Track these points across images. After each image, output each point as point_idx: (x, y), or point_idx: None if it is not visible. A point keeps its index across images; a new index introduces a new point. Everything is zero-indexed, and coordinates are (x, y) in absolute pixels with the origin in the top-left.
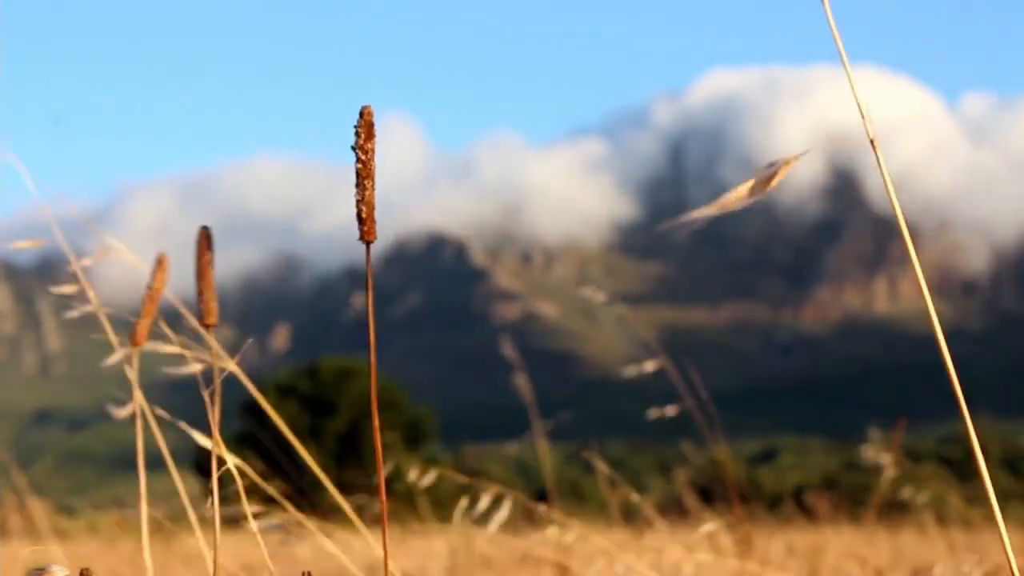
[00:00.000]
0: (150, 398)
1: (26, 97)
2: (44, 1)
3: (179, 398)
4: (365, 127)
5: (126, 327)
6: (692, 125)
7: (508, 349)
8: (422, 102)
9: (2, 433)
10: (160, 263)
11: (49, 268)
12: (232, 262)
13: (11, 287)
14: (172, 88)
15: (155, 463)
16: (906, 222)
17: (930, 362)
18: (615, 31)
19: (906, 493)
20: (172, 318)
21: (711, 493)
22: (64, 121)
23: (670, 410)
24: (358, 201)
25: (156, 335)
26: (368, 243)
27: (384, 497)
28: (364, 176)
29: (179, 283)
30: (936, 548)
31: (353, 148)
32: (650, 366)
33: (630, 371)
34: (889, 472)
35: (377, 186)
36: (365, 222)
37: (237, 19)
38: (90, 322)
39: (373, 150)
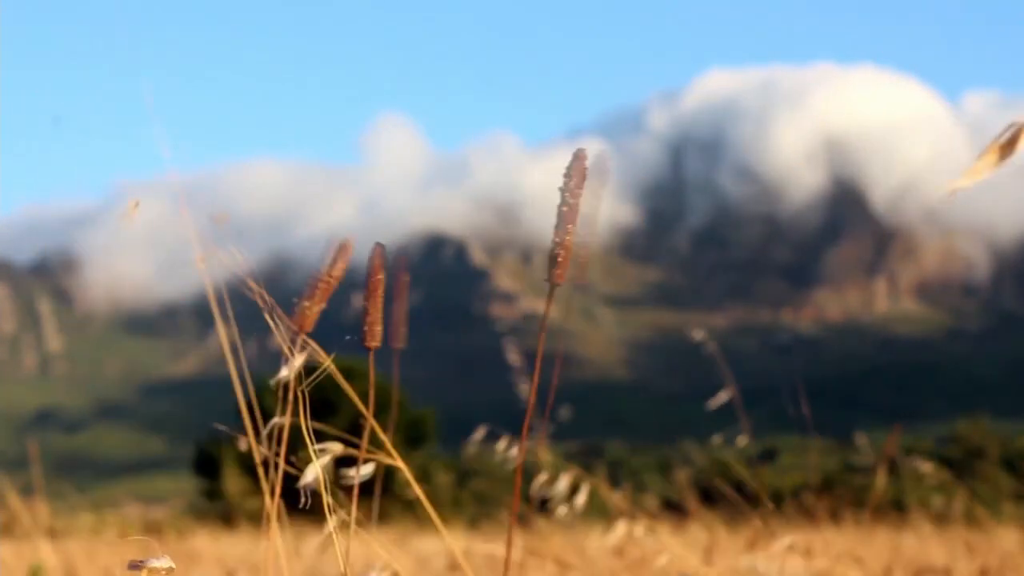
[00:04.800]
0: (148, 397)
1: (26, 97)
2: (44, 1)
3: (178, 398)
4: (579, 170)
5: (126, 327)
6: (689, 126)
7: (510, 352)
8: (420, 104)
9: (2, 433)
10: (343, 249)
11: (48, 268)
12: (229, 262)
13: (11, 287)
14: (172, 88)
15: (156, 464)
16: (907, 224)
17: (929, 363)
18: (613, 32)
19: (907, 495)
20: (172, 317)
21: (712, 493)
22: (64, 121)
23: (722, 396)
24: (556, 243)
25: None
26: (555, 285)
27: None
28: (568, 220)
29: (179, 283)
30: (936, 548)
31: (561, 190)
32: (723, 397)
33: (713, 403)
34: (881, 480)
35: (376, 186)
36: (560, 265)
37: (236, 21)
38: (89, 322)
39: (581, 195)
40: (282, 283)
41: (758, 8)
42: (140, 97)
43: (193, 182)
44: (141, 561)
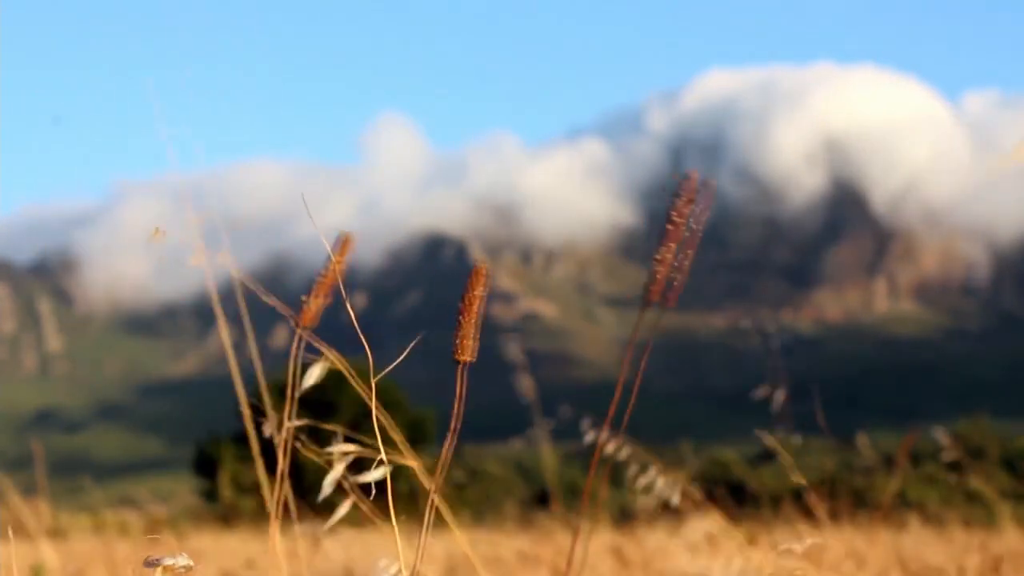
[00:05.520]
0: (148, 398)
1: (26, 97)
2: (44, 1)
3: (178, 398)
4: (688, 191)
5: (126, 327)
6: (689, 126)
7: (513, 351)
8: (420, 104)
9: (2, 433)
10: (344, 243)
11: (48, 268)
12: (229, 262)
13: (11, 287)
14: (171, 88)
15: (155, 464)
16: (907, 224)
17: (929, 363)
18: (612, 32)
19: (907, 493)
20: (170, 316)
21: (712, 493)
22: (64, 121)
23: (763, 391)
24: (658, 260)
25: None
26: (649, 303)
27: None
28: (673, 238)
29: (179, 284)
30: (936, 548)
31: (669, 213)
32: (764, 391)
33: (758, 394)
34: (895, 482)
35: (376, 186)
36: (657, 283)
37: (235, 22)
38: (89, 322)
39: (687, 216)
40: (282, 283)
41: (758, 8)
42: (140, 97)
43: (192, 182)
44: (157, 559)
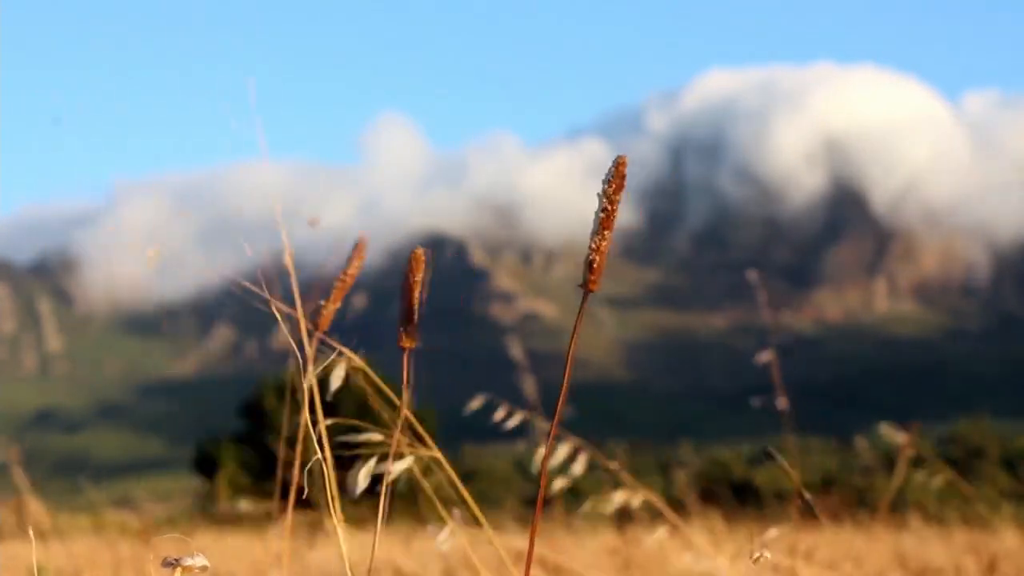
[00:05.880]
0: (148, 398)
1: (26, 97)
2: (44, 1)
3: (177, 398)
4: (618, 178)
5: (126, 327)
6: (689, 126)
7: (514, 350)
8: (420, 104)
9: (2, 433)
10: (359, 247)
11: (48, 268)
12: (229, 263)
13: (11, 287)
14: (170, 89)
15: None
16: (907, 224)
17: (929, 363)
18: (612, 32)
19: (908, 491)
20: (171, 317)
21: (712, 493)
22: (64, 121)
23: (780, 403)
24: (592, 249)
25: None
26: (588, 292)
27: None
28: (605, 226)
29: (179, 284)
30: (936, 548)
31: (599, 196)
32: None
33: (755, 402)
34: (896, 480)
35: (376, 186)
36: (595, 272)
37: (234, 22)
38: (89, 322)
39: (619, 201)
40: (281, 283)
41: (758, 8)
42: (140, 97)
43: (192, 182)
44: (176, 558)
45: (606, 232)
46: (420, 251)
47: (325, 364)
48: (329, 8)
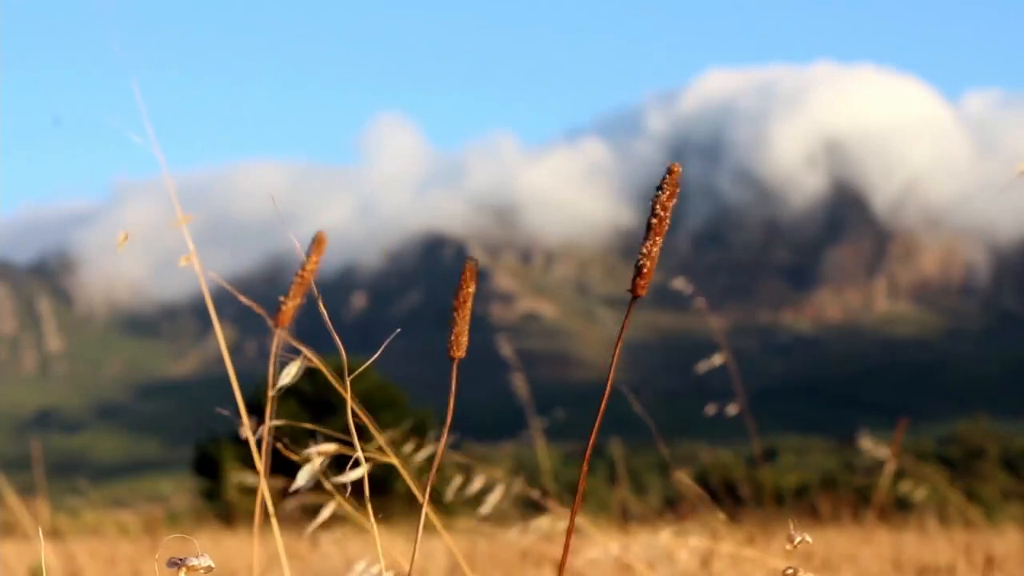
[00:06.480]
0: (147, 398)
1: (26, 97)
2: (44, 1)
3: (177, 399)
4: (671, 185)
5: (125, 327)
6: (688, 127)
7: (508, 350)
8: (419, 104)
9: (2, 433)
10: (318, 243)
11: (48, 268)
12: (228, 263)
13: (11, 287)
14: (170, 89)
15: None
16: (907, 224)
17: (929, 363)
18: (611, 32)
19: (905, 489)
20: (169, 317)
21: (712, 493)
22: (64, 121)
23: (731, 408)
24: (643, 254)
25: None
26: (636, 297)
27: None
28: (657, 232)
29: (177, 284)
30: (936, 547)
31: (652, 203)
32: (717, 360)
33: (709, 410)
34: (888, 469)
35: (375, 186)
36: (643, 277)
37: (234, 22)
38: (89, 322)
39: (672, 208)
40: (280, 284)
41: (758, 8)
42: (140, 97)
43: (191, 182)
44: (182, 559)
45: (657, 239)
46: (473, 262)
47: (285, 362)
48: (328, 8)
